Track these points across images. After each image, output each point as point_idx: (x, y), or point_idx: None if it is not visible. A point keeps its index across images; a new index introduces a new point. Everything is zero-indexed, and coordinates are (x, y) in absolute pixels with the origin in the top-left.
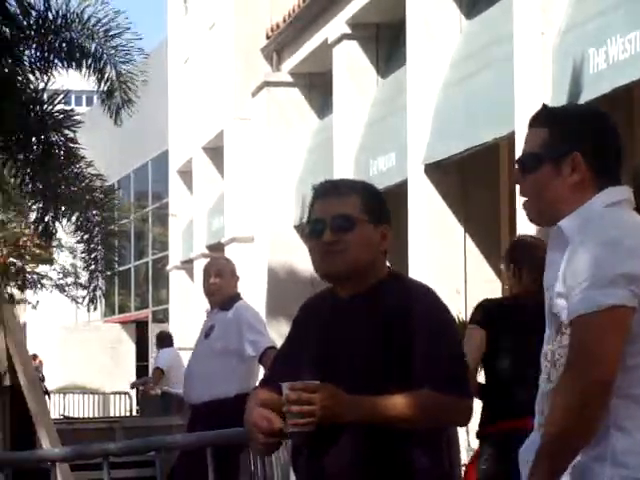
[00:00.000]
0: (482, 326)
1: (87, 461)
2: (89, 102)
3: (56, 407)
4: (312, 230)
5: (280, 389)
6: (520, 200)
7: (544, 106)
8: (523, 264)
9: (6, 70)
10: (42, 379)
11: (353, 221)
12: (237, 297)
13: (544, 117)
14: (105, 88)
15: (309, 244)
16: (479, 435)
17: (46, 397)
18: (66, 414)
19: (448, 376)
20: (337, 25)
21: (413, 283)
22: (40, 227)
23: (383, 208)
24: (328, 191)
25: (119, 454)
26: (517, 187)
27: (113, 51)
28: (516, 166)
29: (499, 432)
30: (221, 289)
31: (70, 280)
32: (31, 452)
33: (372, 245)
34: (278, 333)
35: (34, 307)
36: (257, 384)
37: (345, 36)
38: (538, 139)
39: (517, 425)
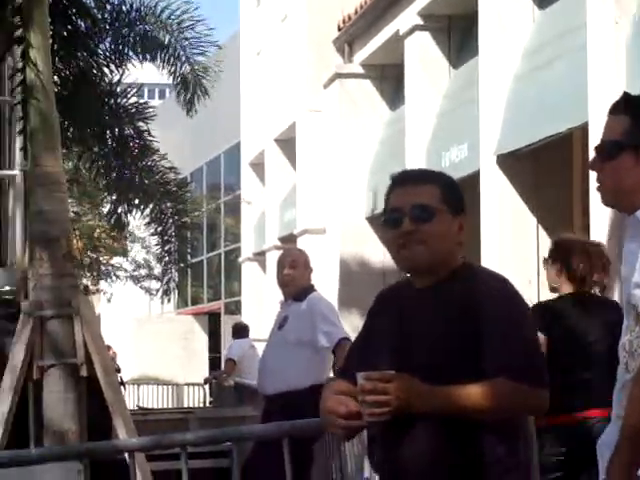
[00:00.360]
0: (541, 330)
1: (162, 451)
2: (162, 95)
3: (130, 398)
4: (389, 219)
5: (355, 379)
6: (594, 187)
7: (625, 94)
8: (571, 262)
9: (81, 64)
10: (118, 370)
11: (432, 211)
12: (311, 288)
13: (625, 105)
14: (179, 80)
15: (386, 234)
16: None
17: (122, 388)
18: (141, 405)
19: (524, 365)
20: (409, 16)
21: (488, 273)
22: (113, 219)
23: (460, 199)
24: (406, 180)
25: (197, 444)
26: (592, 174)
27: (186, 43)
28: (593, 153)
29: (557, 424)
30: (295, 280)
31: (144, 272)
32: (109, 442)
33: (450, 236)
34: (350, 325)
35: (109, 300)
36: (331, 375)
37: (417, 27)
38: (619, 127)
39: (574, 418)
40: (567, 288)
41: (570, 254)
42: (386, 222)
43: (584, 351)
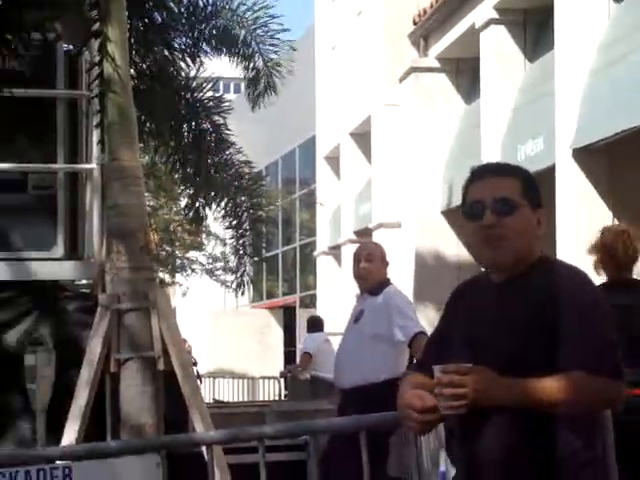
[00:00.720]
0: None
1: (238, 445)
2: (237, 89)
3: (206, 391)
4: (470, 212)
5: (432, 373)
6: None
7: None
8: (611, 252)
9: (158, 57)
10: (195, 363)
11: (514, 205)
12: (387, 282)
13: None
14: (251, 75)
15: (466, 226)
16: None
17: (198, 381)
18: (216, 398)
19: (601, 358)
20: (484, 10)
21: (565, 267)
22: (191, 213)
23: (538, 192)
24: (487, 173)
25: (274, 437)
26: None
27: (261, 39)
28: None
29: None
30: (371, 273)
31: (219, 265)
32: (187, 435)
33: (530, 230)
34: (426, 318)
35: (184, 294)
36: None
37: (492, 21)
38: None
39: None
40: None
41: (610, 249)
42: (466, 214)
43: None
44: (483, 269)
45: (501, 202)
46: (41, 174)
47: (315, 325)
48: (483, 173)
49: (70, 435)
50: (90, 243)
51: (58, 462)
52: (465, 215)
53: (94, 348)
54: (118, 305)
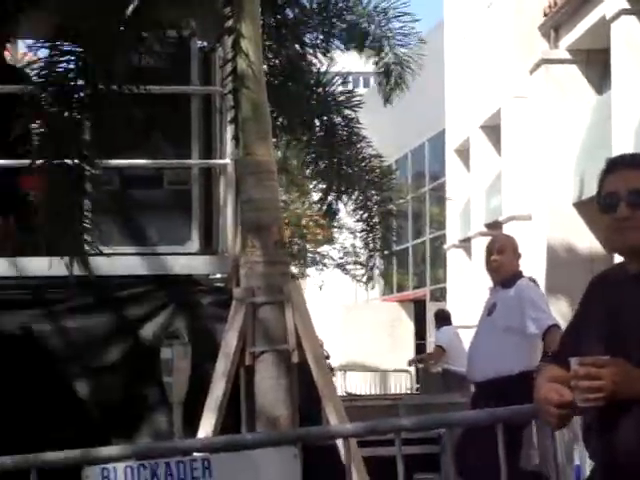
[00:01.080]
0: None
1: (370, 438)
2: (366, 84)
3: (338, 384)
4: (604, 204)
5: (568, 366)
6: None
7: None
8: None
9: (290, 53)
10: (327, 357)
11: None
12: (519, 274)
13: None
14: (381, 70)
15: (601, 219)
16: None
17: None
18: (348, 391)
19: None
20: (615, 0)
21: None
22: (324, 207)
23: None
24: (622, 165)
25: (411, 430)
26: None
27: (391, 34)
28: None
29: None
30: (503, 266)
31: (350, 259)
32: (324, 427)
33: None
34: (558, 312)
35: (320, 288)
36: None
37: (623, 11)
38: None
39: None
40: None
41: None
42: (601, 207)
43: None
44: (617, 261)
45: (635, 194)
46: (176, 170)
47: (443, 318)
48: (618, 165)
49: (206, 427)
50: (224, 238)
51: (196, 454)
52: (599, 207)
53: (229, 341)
54: (253, 299)
